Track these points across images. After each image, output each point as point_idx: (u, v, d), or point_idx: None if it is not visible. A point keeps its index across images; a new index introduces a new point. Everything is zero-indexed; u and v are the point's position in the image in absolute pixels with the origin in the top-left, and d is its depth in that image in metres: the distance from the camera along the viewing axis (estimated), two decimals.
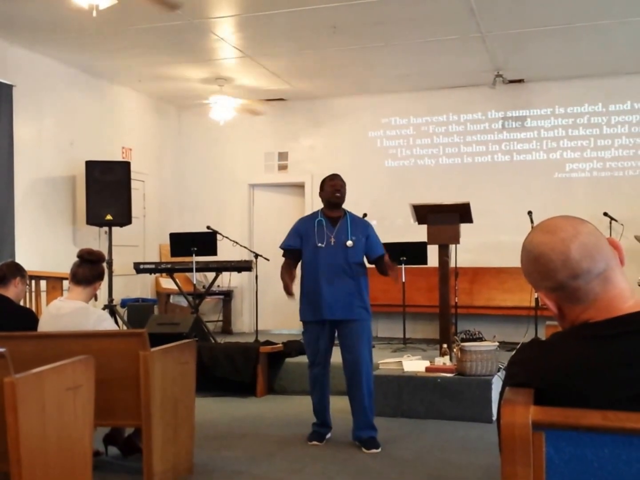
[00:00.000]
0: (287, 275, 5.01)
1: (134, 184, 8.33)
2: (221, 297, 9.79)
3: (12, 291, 4.57)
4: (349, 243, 4.90)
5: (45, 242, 7.75)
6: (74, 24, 6.66)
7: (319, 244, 4.91)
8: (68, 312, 4.16)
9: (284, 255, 5.13)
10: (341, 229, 4.96)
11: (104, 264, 4.48)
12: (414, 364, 6.08)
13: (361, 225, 5.08)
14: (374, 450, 4.80)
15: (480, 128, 9.21)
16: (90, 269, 4.27)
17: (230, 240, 7.92)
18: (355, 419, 4.95)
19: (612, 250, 1.56)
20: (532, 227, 7.41)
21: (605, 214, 8.08)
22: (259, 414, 6.04)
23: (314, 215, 5.12)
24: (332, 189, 4.97)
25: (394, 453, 4.77)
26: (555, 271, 1.53)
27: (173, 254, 7.96)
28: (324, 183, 5.05)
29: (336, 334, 5.04)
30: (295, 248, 5.03)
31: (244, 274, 8.73)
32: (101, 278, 4.37)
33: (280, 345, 6.99)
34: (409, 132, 9.47)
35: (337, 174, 5.10)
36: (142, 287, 9.34)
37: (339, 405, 5.41)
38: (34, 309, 6.39)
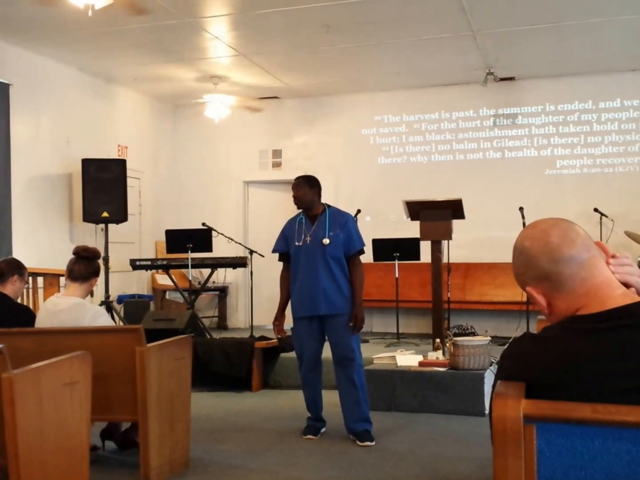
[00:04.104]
0: (282, 294, 5.14)
1: (129, 182, 8.35)
2: (216, 293, 9.83)
3: (9, 288, 4.60)
4: (325, 241, 4.90)
5: (42, 239, 7.79)
6: (70, 23, 6.69)
7: (297, 243, 4.97)
8: (65, 308, 4.19)
9: (279, 259, 5.19)
10: (319, 226, 4.98)
11: (100, 261, 4.53)
12: (408, 359, 6.09)
13: (340, 220, 5.03)
14: (368, 443, 4.83)
15: (471, 125, 9.25)
16: (86, 265, 4.30)
17: (225, 236, 7.96)
18: (348, 412, 4.96)
19: (598, 249, 1.59)
20: (523, 223, 7.41)
21: (596, 210, 8.16)
22: (254, 409, 6.08)
23: (297, 215, 5.15)
24: (293, 194, 5.07)
25: (387, 446, 4.80)
26: (536, 258, 1.56)
27: (169, 251, 8.01)
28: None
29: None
30: (283, 251, 5.10)
31: (239, 270, 8.76)
32: (97, 274, 4.40)
33: (275, 340, 7.01)
34: (401, 129, 9.51)
35: (297, 178, 5.12)
36: (138, 284, 9.38)
37: (334, 399, 5.42)
38: (31, 305, 6.41)
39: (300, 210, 5.13)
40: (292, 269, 5.05)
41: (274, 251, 5.20)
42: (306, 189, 5.01)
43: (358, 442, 4.86)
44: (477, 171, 9.13)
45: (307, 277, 4.93)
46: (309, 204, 5.02)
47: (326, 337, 5.07)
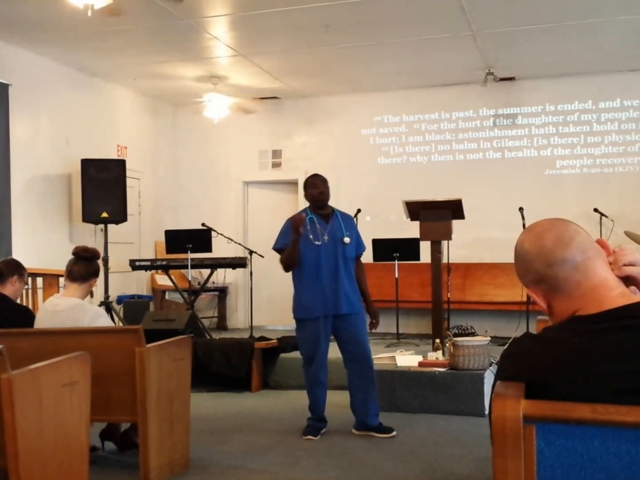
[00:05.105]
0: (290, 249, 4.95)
1: (129, 182, 8.33)
2: (216, 293, 9.83)
3: (9, 289, 4.61)
4: (347, 240, 5.00)
5: (41, 239, 7.78)
6: (69, 23, 6.68)
7: (316, 242, 4.97)
8: (64, 308, 4.19)
9: (280, 253, 5.10)
10: (334, 225, 5.04)
11: (99, 261, 4.53)
12: (407, 359, 6.11)
13: (350, 221, 5.22)
14: (395, 433, 5.02)
15: (471, 125, 9.25)
16: (85, 266, 4.30)
17: (225, 237, 7.96)
18: (365, 409, 5.07)
19: (598, 247, 1.59)
20: (523, 224, 7.38)
21: (596, 210, 8.17)
22: (254, 409, 6.08)
23: (302, 213, 5.11)
24: (316, 191, 5.03)
25: (387, 447, 4.81)
26: (531, 262, 1.58)
27: (168, 251, 8.01)
28: (306, 185, 5.11)
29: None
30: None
31: (239, 270, 8.76)
32: (96, 275, 4.40)
33: (275, 340, 7.04)
34: (401, 129, 9.51)
35: (318, 176, 5.14)
36: (137, 284, 9.37)
37: (335, 400, 5.45)
38: (30, 305, 6.42)
39: (305, 209, 5.15)
40: (307, 269, 5.00)
41: (282, 246, 5.03)
42: (326, 186, 5.10)
43: (383, 435, 5.01)
44: (477, 171, 9.13)
45: (328, 277, 4.98)
46: (327, 201, 5.10)
47: (334, 336, 5.14)
